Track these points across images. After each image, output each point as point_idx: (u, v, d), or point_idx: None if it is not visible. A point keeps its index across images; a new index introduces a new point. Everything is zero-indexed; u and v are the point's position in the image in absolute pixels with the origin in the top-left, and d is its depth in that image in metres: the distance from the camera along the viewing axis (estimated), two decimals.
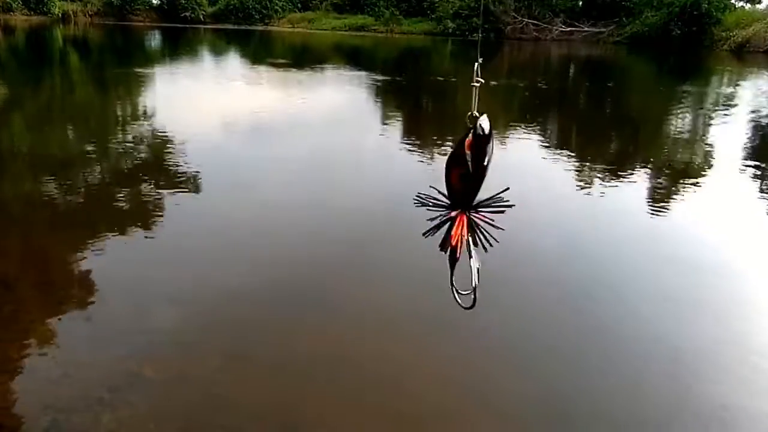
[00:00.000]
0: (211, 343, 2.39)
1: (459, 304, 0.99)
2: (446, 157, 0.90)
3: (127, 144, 5.84)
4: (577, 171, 5.53)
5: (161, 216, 3.81)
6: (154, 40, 25.65)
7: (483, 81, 0.88)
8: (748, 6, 28.00)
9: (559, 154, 6.17)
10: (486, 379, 2.25)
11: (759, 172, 5.53)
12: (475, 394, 2.17)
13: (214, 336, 2.44)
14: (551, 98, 11.37)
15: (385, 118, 8.34)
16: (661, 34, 26.15)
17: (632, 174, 5.38)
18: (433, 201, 0.94)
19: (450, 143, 6.80)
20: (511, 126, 7.84)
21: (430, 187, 0.96)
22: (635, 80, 15.55)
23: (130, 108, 8.27)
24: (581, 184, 5.07)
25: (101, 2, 38.15)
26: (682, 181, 5.21)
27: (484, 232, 0.93)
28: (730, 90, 12.61)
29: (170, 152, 5.53)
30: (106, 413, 1.93)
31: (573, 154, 6.19)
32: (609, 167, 5.69)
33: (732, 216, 4.30)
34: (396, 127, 7.69)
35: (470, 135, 0.85)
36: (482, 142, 0.85)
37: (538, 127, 8.00)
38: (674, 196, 4.82)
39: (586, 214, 4.25)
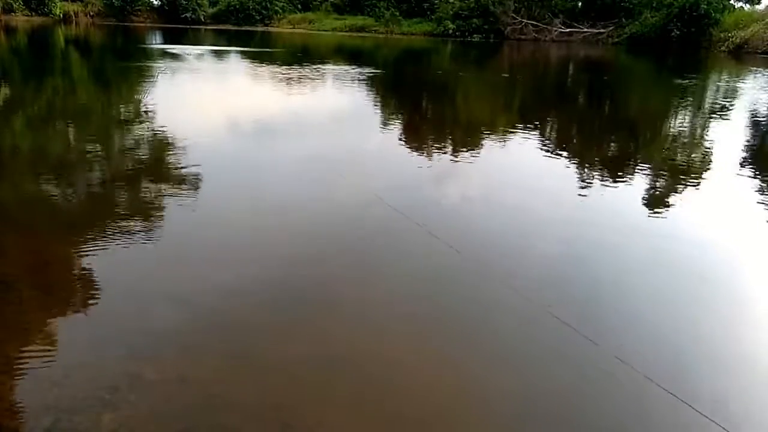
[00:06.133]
0: (211, 344, 2.39)
1: None
2: None
3: (127, 143, 5.85)
4: (575, 167, 5.54)
5: (161, 215, 3.81)
6: (155, 40, 25.66)
7: None
8: (747, 7, 28.03)
9: (554, 145, 6.18)
10: (486, 382, 2.26)
11: (758, 173, 5.55)
12: (475, 396, 2.18)
13: (214, 336, 2.45)
14: (548, 91, 11.41)
15: (385, 117, 8.34)
16: (660, 35, 26.22)
17: (629, 171, 5.38)
18: None
19: (450, 147, 6.81)
20: (511, 121, 7.85)
21: None
22: (630, 78, 15.60)
23: (129, 108, 8.28)
24: (580, 180, 5.07)
25: (102, 3, 38.22)
26: (680, 180, 5.22)
27: None
28: (723, 90, 12.65)
29: (170, 151, 5.53)
30: (108, 413, 1.94)
31: (567, 145, 6.21)
32: (605, 162, 5.70)
33: (734, 215, 4.31)
34: (397, 125, 7.68)
35: None
36: None
37: (536, 117, 8.02)
38: (673, 195, 4.83)
39: (586, 212, 4.26)
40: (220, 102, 9.10)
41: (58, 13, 35.30)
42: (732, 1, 27.47)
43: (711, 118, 9.00)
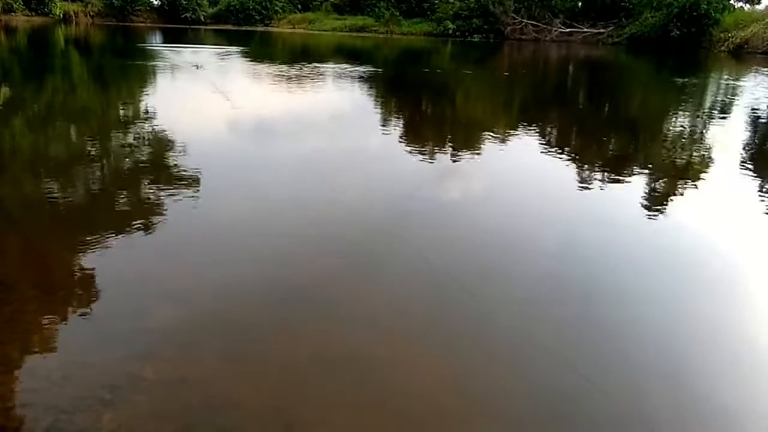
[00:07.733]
0: (211, 344, 2.39)
1: None
2: None
3: (126, 143, 5.85)
4: (576, 166, 5.53)
5: (161, 215, 3.81)
6: (156, 40, 25.65)
7: None
8: (747, 7, 28.02)
9: (555, 144, 6.18)
10: (488, 382, 2.25)
11: (758, 171, 5.55)
12: (475, 395, 2.18)
13: (214, 336, 2.45)
14: (549, 90, 11.41)
15: (386, 116, 8.33)
16: (660, 35, 26.20)
17: (630, 171, 5.38)
18: None
19: (450, 146, 6.80)
20: (512, 119, 7.85)
21: None
22: (630, 77, 15.60)
23: (128, 108, 8.27)
24: (581, 180, 5.07)
25: (102, 3, 38.24)
26: (681, 180, 5.21)
27: None
28: (723, 89, 12.65)
29: (169, 151, 5.53)
30: (107, 414, 1.93)
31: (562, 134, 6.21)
32: (606, 161, 5.70)
33: (734, 214, 4.31)
34: (397, 124, 7.68)
35: None
36: None
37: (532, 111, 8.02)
38: (674, 194, 4.82)
39: (587, 212, 4.25)
40: (219, 101, 9.08)
41: (58, 13, 35.30)
42: (732, 1, 27.46)
43: (711, 116, 9.00)
